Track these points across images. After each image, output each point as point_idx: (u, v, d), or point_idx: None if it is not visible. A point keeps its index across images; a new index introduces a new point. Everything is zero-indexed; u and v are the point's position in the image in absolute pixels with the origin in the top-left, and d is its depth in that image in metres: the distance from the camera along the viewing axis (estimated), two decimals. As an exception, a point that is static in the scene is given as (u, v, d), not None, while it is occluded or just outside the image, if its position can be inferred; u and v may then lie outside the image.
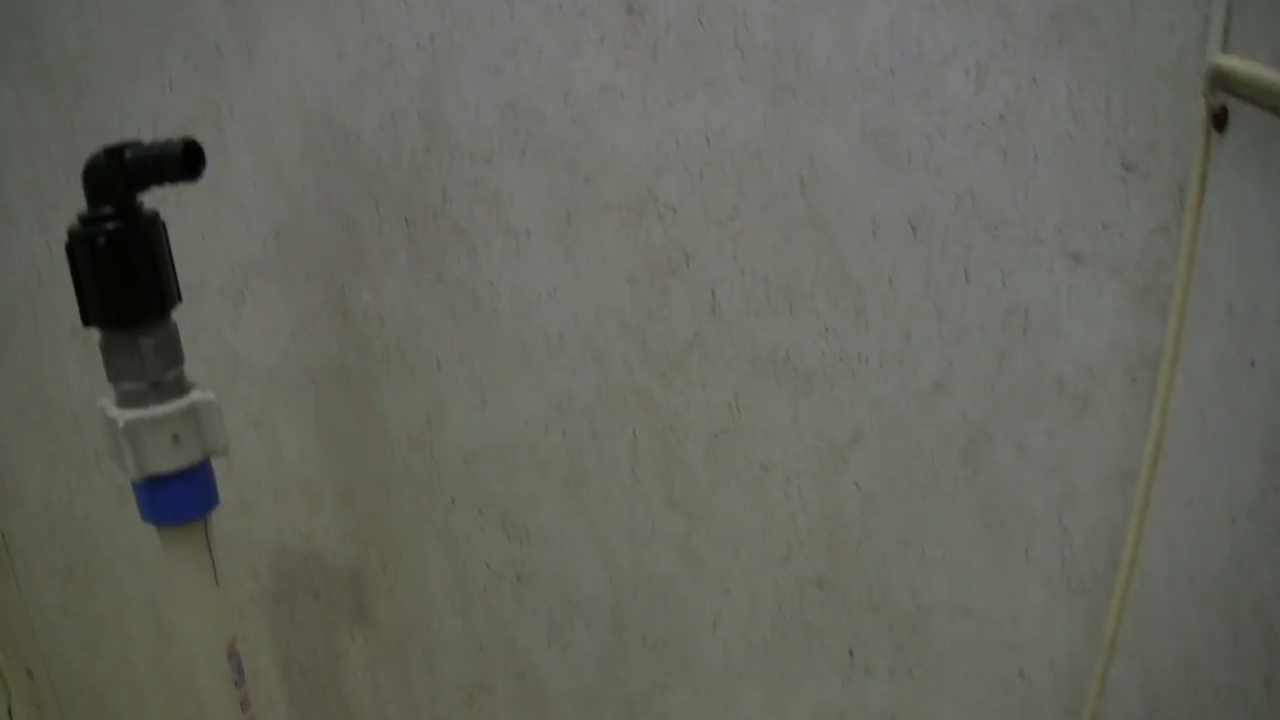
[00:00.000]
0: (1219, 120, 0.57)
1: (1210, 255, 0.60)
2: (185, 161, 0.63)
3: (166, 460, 0.67)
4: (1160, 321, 0.65)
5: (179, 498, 0.69)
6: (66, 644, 1.15)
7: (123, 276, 0.64)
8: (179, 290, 0.68)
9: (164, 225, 0.67)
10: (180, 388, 0.68)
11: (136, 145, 0.64)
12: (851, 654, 0.82)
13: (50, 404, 1.01)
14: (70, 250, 0.65)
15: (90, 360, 0.95)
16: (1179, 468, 0.65)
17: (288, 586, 0.98)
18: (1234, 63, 0.56)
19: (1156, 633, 0.66)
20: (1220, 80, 0.58)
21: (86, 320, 0.66)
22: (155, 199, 0.65)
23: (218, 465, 0.71)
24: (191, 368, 0.69)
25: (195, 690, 1.04)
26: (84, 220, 0.65)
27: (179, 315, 0.67)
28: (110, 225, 0.64)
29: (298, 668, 1.01)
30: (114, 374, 0.67)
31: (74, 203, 0.65)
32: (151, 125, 0.88)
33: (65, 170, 0.93)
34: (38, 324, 0.99)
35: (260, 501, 0.95)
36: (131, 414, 0.66)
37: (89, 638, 1.12)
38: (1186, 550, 0.61)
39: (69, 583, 1.09)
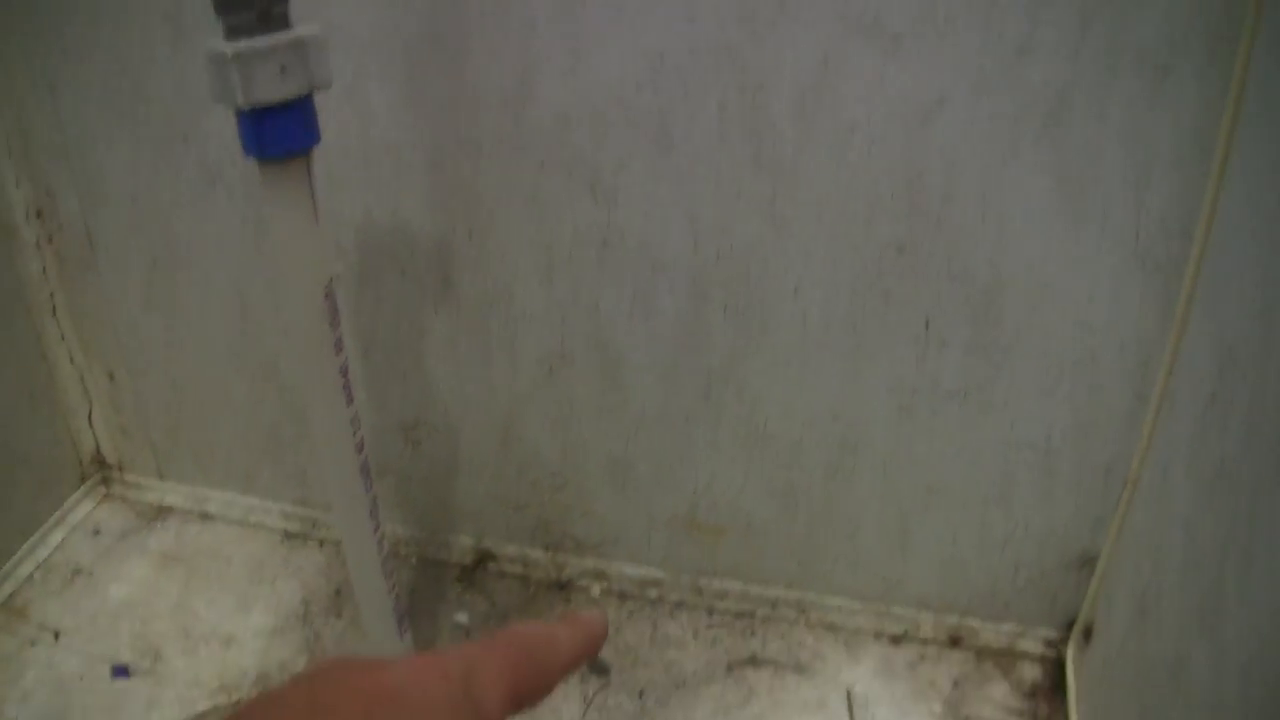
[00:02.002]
0: None
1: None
2: None
3: (273, 90, 0.85)
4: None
5: (284, 129, 0.87)
6: (149, 340, 1.40)
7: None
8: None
9: None
10: (286, 20, 0.85)
11: None
12: (928, 325, 1.01)
13: (139, 91, 1.21)
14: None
15: (180, 44, 1.15)
16: (1256, 136, 0.79)
17: (374, 264, 1.20)
18: None
19: (1231, 294, 0.82)
20: None
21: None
22: None
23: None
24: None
25: (277, 374, 1.26)
26: None
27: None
28: None
29: (380, 346, 1.23)
30: (221, 6, 0.82)
31: None
32: None
33: None
34: (129, 11, 1.14)
35: (350, 176, 1.16)
36: (241, 43, 0.83)
37: (171, 332, 1.36)
38: (1265, 210, 0.76)
39: (153, 276, 1.32)
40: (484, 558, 1.37)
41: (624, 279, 1.12)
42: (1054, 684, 1.21)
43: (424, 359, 1.25)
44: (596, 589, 1.33)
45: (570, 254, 1.12)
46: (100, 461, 1.52)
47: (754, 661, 1.24)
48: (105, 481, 1.53)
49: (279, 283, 0.94)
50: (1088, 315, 1.01)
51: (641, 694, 1.19)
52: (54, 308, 1.38)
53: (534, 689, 0.45)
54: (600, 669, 1.21)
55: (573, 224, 1.10)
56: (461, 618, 1.30)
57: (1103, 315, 1.00)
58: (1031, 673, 1.23)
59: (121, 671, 1.24)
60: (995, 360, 1.05)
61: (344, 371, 0.94)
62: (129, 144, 1.23)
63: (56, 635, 1.30)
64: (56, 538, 1.44)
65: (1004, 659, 1.25)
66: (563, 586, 1.34)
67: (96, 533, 1.45)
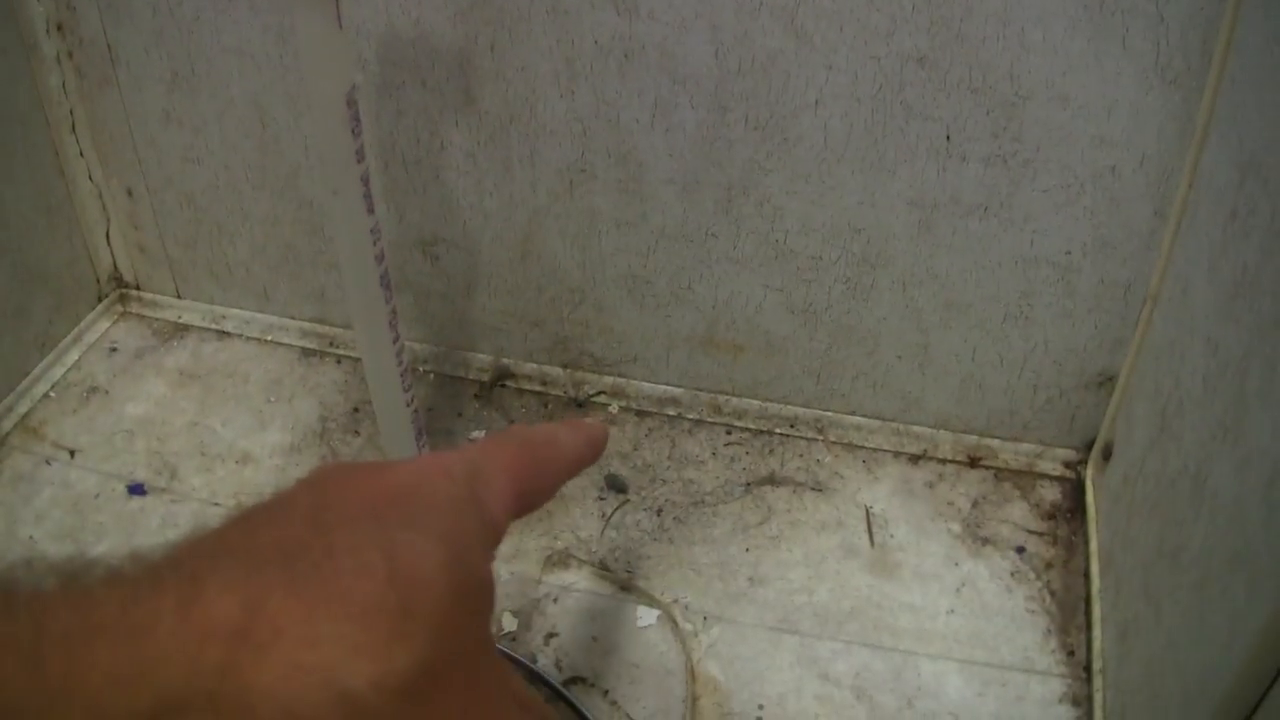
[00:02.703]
0: None
1: None
2: None
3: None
4: None
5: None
6: (168, 156, 1.49)
7: None
8: None
9: None
10: None
11: None
12: (949, 138, 1.09)
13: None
14: None
15: None
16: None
17: (395, 75, 1.27)
18: None
19: (1252, 106, 0.89)
20: None
21: None
22: None
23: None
24: None
25: (296, 190, 1.33)
26: None
27: None
28: None
29: (400, 160, 1.31)
30: None
31: None
32: None
33: None
34: None
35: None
36: None
37: (190, 148, 1.44)
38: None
39: (173, 91, 1.40)
40: (502, 375, 1.47)
41: (645, 91, 1.19)
42: (1073, 505, 1.30)
43: (444, 172, 1.32)
44: (615, 407, 1.43)
45: (591, 66, 1.19)
46: (118, 279, 1.61)
47: (772, 480, 1.33)
48: (122, 300, 1.62)
49: (301, 92, 1.00)
50: (1107, 130, 1.08)
51: (660, 511, 1.29)
52: (73, 124, 1.46)
53: (538, 489, 0.50)
54: (619, 486, 1.31)
55: (594, 35, 1.16)
56: (479, 435, 1.40)
57: (1122, 129, 1.08)
58: (1051, 493, 1.32)
59: (137, 489, 1.35)
60: (1015, 174, 1.12)
61: (365, 180, 1.02)
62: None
63: (72, 454, 1.40)
64: (73, 356, 1.54)
65: (1023, 479, 1.34)
66: (581, 404, 1.44)
67: (113, 350, 1.55)
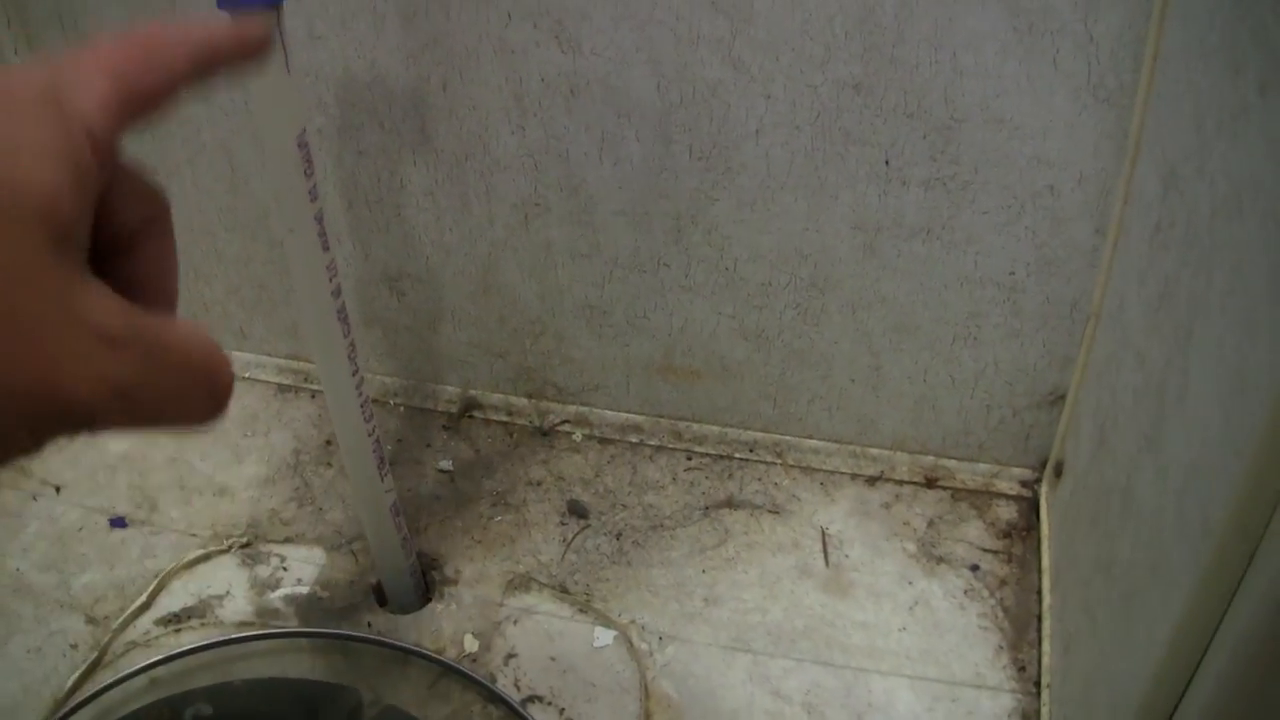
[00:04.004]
0: None
1: None
2: None
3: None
4: None
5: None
6: None
7: None
8: None
9: None
10: None
11: None
12: (888, 163, 1.10)
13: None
14: None
15: None
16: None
17: (354, 117, 1.29)
18: None
19: (1172, 117, 0.90)
20: None
21: None
22: None
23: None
24: None
25: (267, 230, 1.34)
26: None
27: None
28: None
29: (363, 198, 1.33)
30: None
31: None
32: None
33: None
34: None
35: (329, 33, 1.24)
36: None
37: (165, 192, 1.41)
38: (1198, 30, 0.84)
39: (146, 141, 1.42)
40: (469, 406, 1.48)
41: (592, 125, 1.20)
42: (1029, 524, 1.31)
43: (405, 210, 1.34)
44: (579, 435, 1.44)
45: (540, 102, 1.20)
46: (96, 322, 1.61)
47: (730, 503, 1.34)
48: (102, 341, 1.62)
49: (259, 135, 1.02)
50: (1044, 149, 1.09)
51: (619, 535, 1.30)
52: (40, 167, 1.46)
53: (149, 84, 0.41)
54: (580, 511, 1.32)
55: (540, 72, 1.18)
56: (446, 464, 1.41)
57: (1059, 149, 1.08)
58: (1007, 512, 1.32)
59: (119, 522, 1.37)
60: (955, 196, 1.13)
61: (319, 219, 1.03)
62: (119, 8, 1.30)
63: (58, 489, 1.42)
64: (56, 398, 1.53)
65: (979, 499, 1.34)
66: (546, 433, 1.45)
67: (94, 391, 1.55)
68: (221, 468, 1.44)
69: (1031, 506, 1.33)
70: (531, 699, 1.12)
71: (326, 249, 1.07)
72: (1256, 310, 0.68)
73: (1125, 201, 1.07)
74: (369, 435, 1.17)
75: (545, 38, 1.16)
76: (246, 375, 1.57)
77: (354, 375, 1.14)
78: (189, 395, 0.37)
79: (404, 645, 1.17)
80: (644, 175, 1.22)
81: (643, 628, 1.20)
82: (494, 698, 1.11)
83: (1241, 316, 0.71)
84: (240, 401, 1.53)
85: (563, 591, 1.24)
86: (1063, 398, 1.26)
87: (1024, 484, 1.35)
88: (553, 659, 1.16)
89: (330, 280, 1.08)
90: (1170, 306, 0.88)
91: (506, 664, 1.16)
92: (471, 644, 1.17)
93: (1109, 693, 0.88)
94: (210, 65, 0.44)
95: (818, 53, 1.09)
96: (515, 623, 1.20)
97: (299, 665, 1.19)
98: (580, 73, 1.17)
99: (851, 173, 1.15)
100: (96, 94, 0.38)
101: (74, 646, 1.22)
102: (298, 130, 1.03)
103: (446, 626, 1.21)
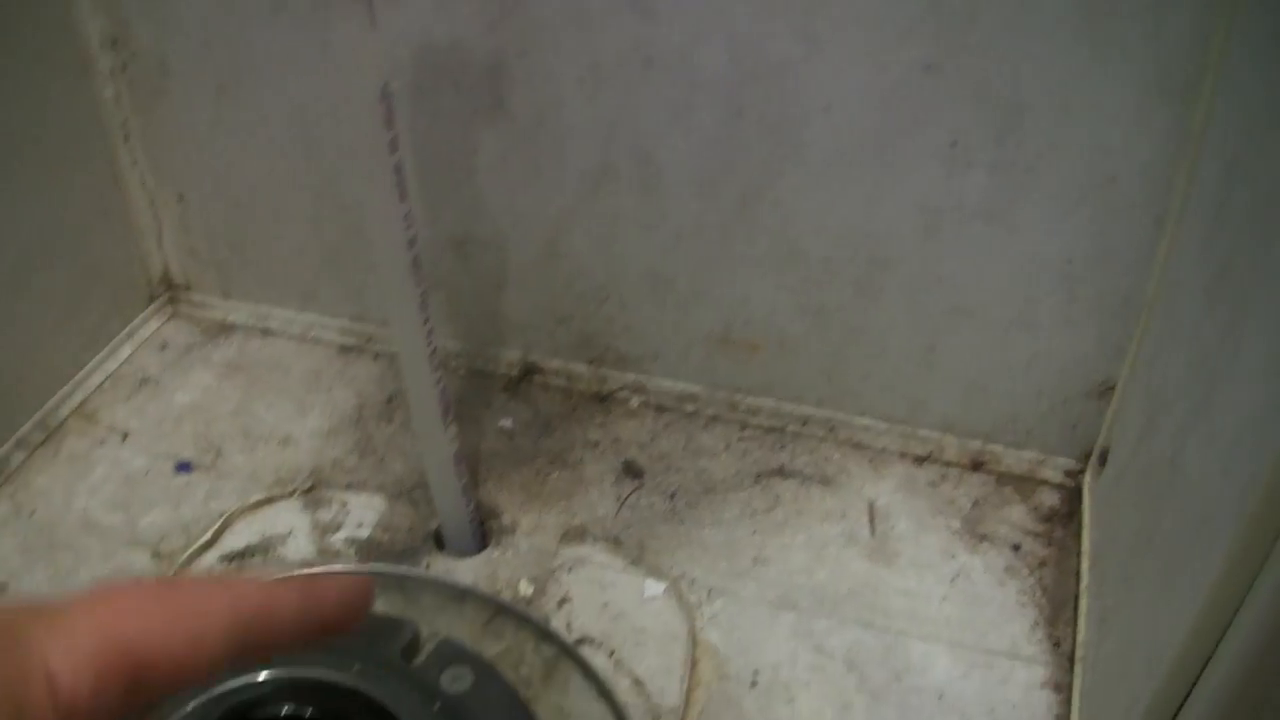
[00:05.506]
0: None
1: None
2: None
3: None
4: None
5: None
6: (216, 164, 1.57)
7: None
8: None
9: None
10: None
11: None
12: (954, 145, 1.13)
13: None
14: None
15: None
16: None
17: (430, 81, 1.33)
18: None
19: (1237, 110, 0.93)
20: None
21: None
22: None
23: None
24: None
25: (336, 193, 1.38)
26: None
27: None
28: None
29: (434, 162, 1.40)
30: None
31: None
32: None
33: None
34: None
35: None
36: None
37: (237, 154, 1.54)
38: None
39: (221, 100, 1.49)
40: (529, 370, 1.52)
41: (664, 95, 1.25)
42: (1071, 510, 1.33)
43: (475, 174, 1.38)
44: (635, 401, 1.48)
45: (615, 71, 1.24)
46: (168, 282, 1.68)
47: (781, 473, 1.37)
48: (172, 301, 1.69)
49: (339, 88, 1.05)
50: (1107, 138, 1.12)
51: (673, 496, 1.33)
52: (126, 134, 1.54)
53: (148, 658, 0.34)
54: (635, 471, 1.35)
55: (617, 43, 1.21)
56: (506, 423, 1.45)
57: (1122, 139, 1.11)
58: (1050, 499, 1.35)
59: (184, 467, 1.41)
60: (1018, 181, 1.16)
61: (398, 169, 1.06)
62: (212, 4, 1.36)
63: (124, 436, 1.47)
64: (125, 351, 1.61)
65: (1024, 484, 1.37)
66: (603, 399, 1.48)
67: (163, 347, 1.62)
68: (285, 419, 1.48)
69: (1074, 494, 1.35)
70: (582, 640, 1.16)
71: (404, 199, 1.10)
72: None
73: (1186, 191, 1.10)
74: (435, 383, 1.21)
75: (623, 8, 1.20)
76: (311, 336, 1.62)
77: (425, 324, 1.17)
78: None
79: (461, 585, 1.22)
80: (714, 147, 1.26)
81: (692, 581, 1.24)
82: (547, 636, 1.14)
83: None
84: (304, 360, 1.58)
85: (616, 544, 1.28)
86: (1112, 389, 1.28)
87: (1068, 473, 1.37)
88: (604, 605, 1.20)
89: (407, 229, 1.11)
90: (1227, 283, 0.90)
91: (560, 608, 1.20)
92: (526, 588, 1.21)
93: (1144, 653, 0.91)
94: (266, 634, 0.37)
95: (890, 32, 1.12)
96: (569, 570, 1.24)
97: (358, 601, 1.22)
98: (656, 43, 1.21)
99: (919, 153, 1.19)
100: (77, 656, 0.33)
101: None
102: (381, 81, 1.06)
103: (503, 571, 1.25)
